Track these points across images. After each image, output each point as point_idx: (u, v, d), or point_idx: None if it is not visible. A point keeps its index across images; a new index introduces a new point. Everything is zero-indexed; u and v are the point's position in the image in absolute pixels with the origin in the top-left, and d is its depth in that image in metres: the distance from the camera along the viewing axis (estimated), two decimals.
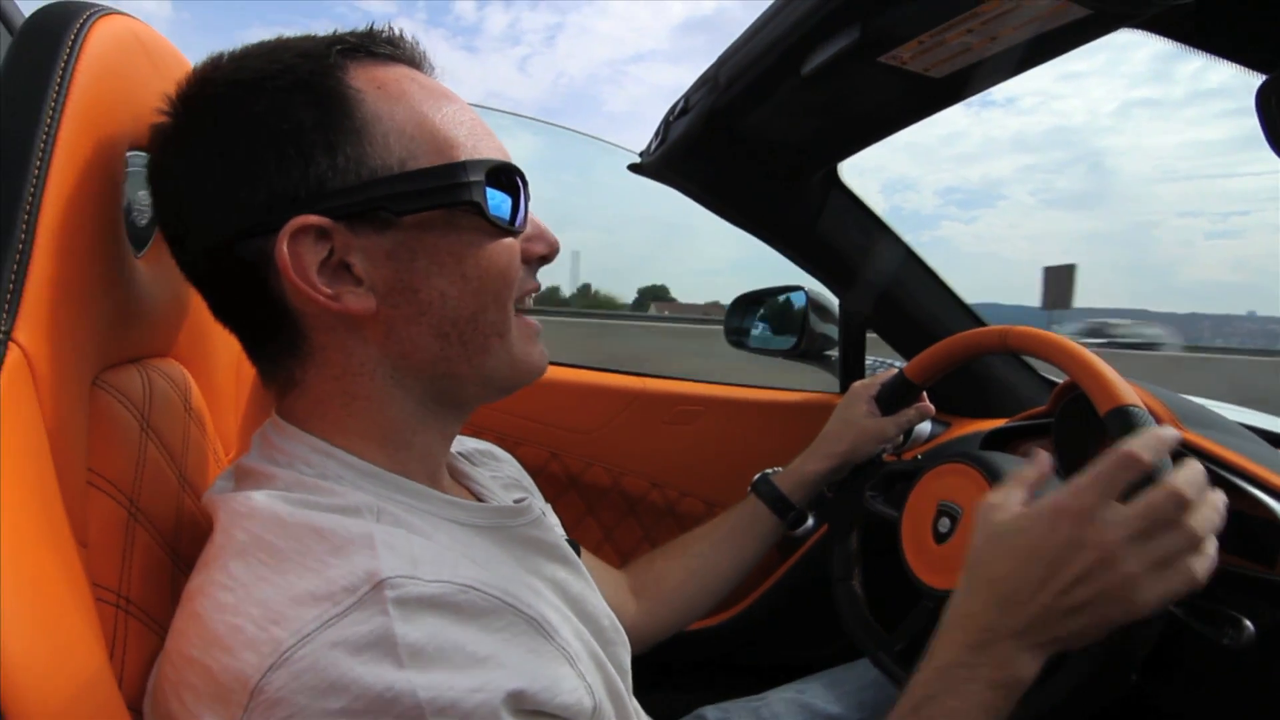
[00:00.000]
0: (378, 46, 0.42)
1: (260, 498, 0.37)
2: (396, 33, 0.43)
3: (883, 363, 1.20)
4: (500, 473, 0.60)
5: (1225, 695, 0.61)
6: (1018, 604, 0.43)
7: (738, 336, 1.22)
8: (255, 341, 0.43)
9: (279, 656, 0.31)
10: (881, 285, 0.93)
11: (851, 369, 1.11)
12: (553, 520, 0.60)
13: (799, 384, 1.18)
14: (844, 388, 1.12)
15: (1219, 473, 0.62)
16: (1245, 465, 0.61)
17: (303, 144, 0.38)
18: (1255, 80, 0.45)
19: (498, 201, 0.41)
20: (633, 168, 0.89)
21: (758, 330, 1.21)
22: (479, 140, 0.42)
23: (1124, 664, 0.51)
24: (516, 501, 0.52)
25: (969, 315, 0.96)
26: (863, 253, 0.91)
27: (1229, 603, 0.48)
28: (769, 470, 0.80)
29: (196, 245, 0.40)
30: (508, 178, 0.42)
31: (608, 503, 1.06)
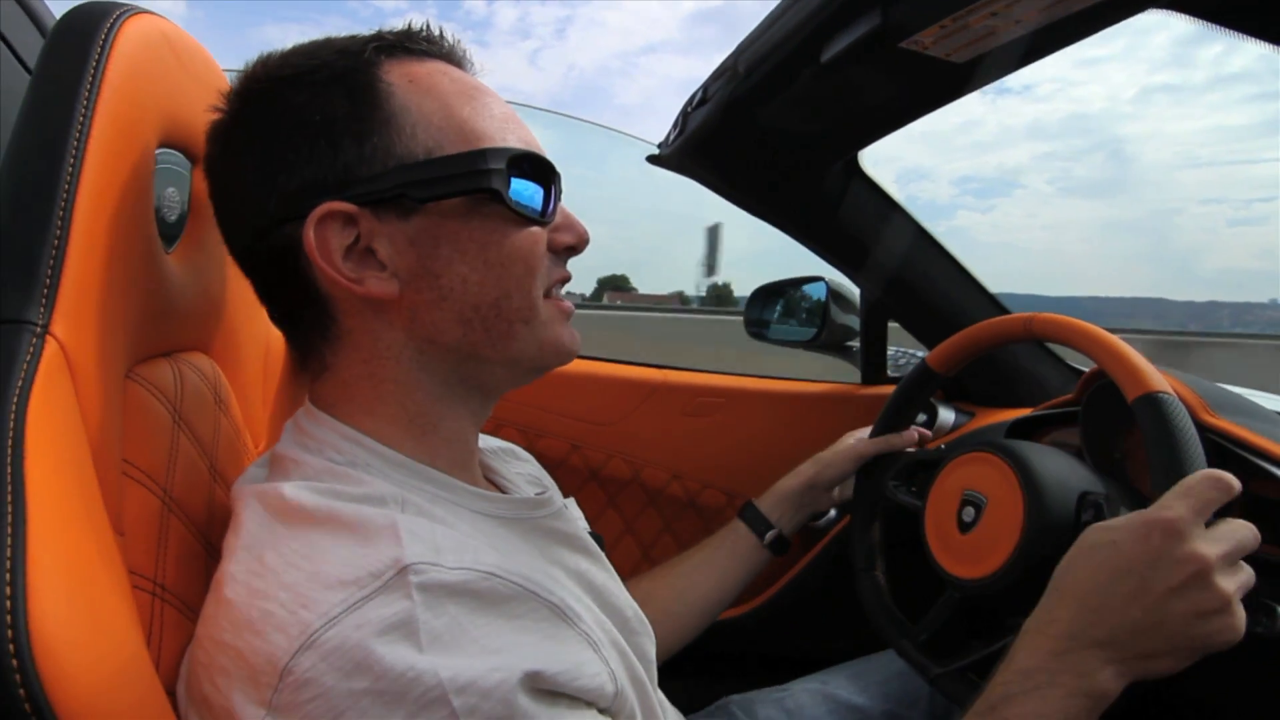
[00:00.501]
0: (414, 43, 0.43)
1: (288, 488, 0.38)
2: (436, 31, 0.44)
3: (905, 353, 1.19)
4: (522, 470, 0.60)
5: (1254, 682, 0.60)
6: (1105, 615, 0.44)
7: (757, 328, 1.21)
8: (291, 325, 0.45)
9: (307, 639, 0.31)
10: (903, 274, 0.92)
11: (873, 359, 1.10)
12: (575, 513, 0.60)
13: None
14: (866, 378, 1.11)
15: (1249, 459, 0.60)
16: (1272, 448, 0.59)
17: (334, 134, 0.39)
18: None
19: (523, 190, 0.42)
20: (651, 159, 0.89)
21: (778, 322, 1.21)
22: (508, 131, 0.43)
23: None
24: (539, 495, 0.52)
25: (993, 303, 0.95)
26: (884, 242, 0.90)
27: (1262, 590, 0.48)
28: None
29: (242, 231, 0.43)
30: (535, 167, 0.43)
31: (629, 495, 1.07)
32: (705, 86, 0.79)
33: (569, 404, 1.03)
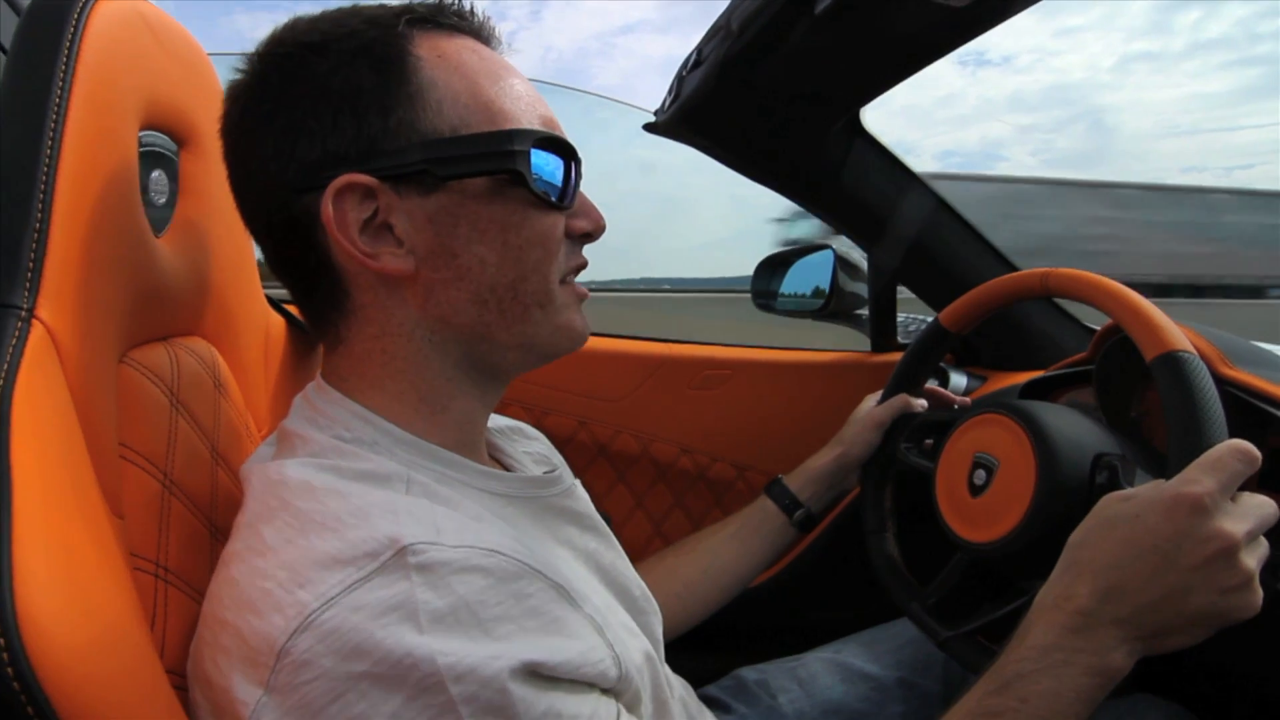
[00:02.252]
0: (445, 18, 0.42)
1: (292, 466, 0.38)
2: (466, 6, 0.44)
3: (915, 319, 1.17)
4: (530, 449, 0.60)
5: (1270, 645, 0.59)
6: (1126, 593, 0.43)
7: (765, 300, 1.20)
8: (304, 295, 0.44)
9: (304, 619, 0.31)
10: (911, 236, 0.90)
11: (883, 326, 1.08)
12: (583, 493, 0.60)
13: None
14: (876, 345, 1.09)
15: (1268, 410, 0.59)
16: None
17: (359, 105, 0.39)
18: (1259, 28, 0.41)
19: (545, 174, 0.42)
20: (648, 127, 0.87)
21: (785, 292, 1.19)
22: (533, 113, 0.43)
23: None
24: (546, 474, 0.52)
25: (1004, 262, 0.92)
26: (890, 203, 0.88)
27: (1273, 545, 0.47)
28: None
29: (257, 197, 0.42)
30: (557, 151, 0.43)
31: (638, 470, 1.06)
32: (699, 48, 0.77)
33: (575, 381, 1.02)
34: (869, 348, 1.10)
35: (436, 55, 0.41)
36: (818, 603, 1.00)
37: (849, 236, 0.96)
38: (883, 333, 1.08)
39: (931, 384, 0.87)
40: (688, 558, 0.75)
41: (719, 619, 0.75)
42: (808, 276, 1.15)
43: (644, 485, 1.07)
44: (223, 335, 0.59)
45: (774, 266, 1.19)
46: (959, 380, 0.95)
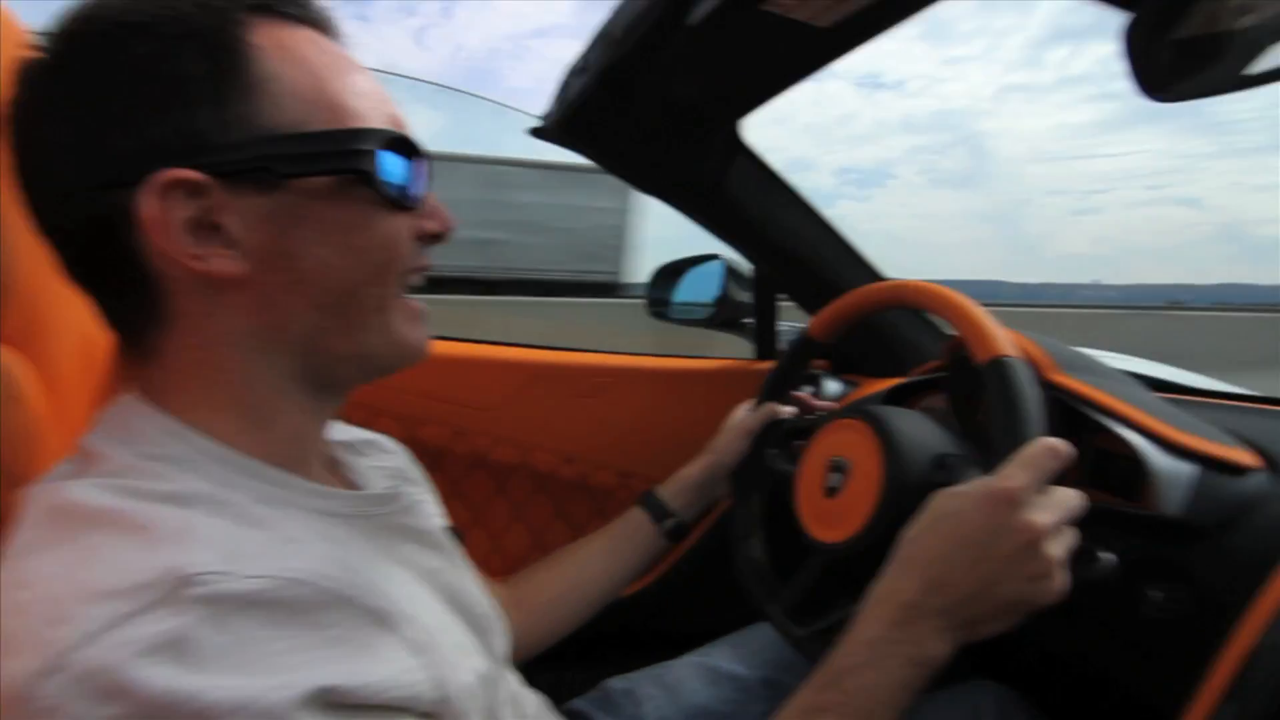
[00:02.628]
0: (285, 6, 0.39)
1: (78, 487, 0.34)
2: None
3: (798, 327, 1.21)
4: (385, 463, 0.57)
5: (1106, 630, 0.64)
6: (946, 585, 0.44)
7: (659, 308, 1.21)
8: (112, 306, 0.39)
9: (57, 659, 0.27)
10: (788, 246, 0.93)
11: (765, 334, 1.11)
12: (430, 510, 0.58)
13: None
14: (760, 354, 1.12)
15: (1087, 413, 0.64)
16: (1113, 405, 0.63)
17: (187, 94, 0.35)
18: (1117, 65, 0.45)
19: (393, 174, 0.40)
20: (533, 131, 0.85)
21: (678, 301, 1.20)
22: (379, 111, 0.41)
23: None
24: (386, 490, 0.49)
25: (872, 273, 0.97)
26: (767, 215, 0.90)
27: (1095, 537, 0.51)
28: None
29: (53, 192, 0.37)
30: (406, 151, 0.40)
31: (517, 480, 1.03)
32: (585, 55, 0.76)
33: (452, 389, 0.98)
34: (754, 355, 1.12)
35: (277, 46, 0.38)
36: (692, 609, 1.00)
37: (732, 247, 0.98)
38: (764, 341, 1.11)
39: (806, 391, 0.90)
40: (555, 571, 0.74)
41: (590, 630, 0.74)
42: (700, 285, 1.17)
43: (524, 495, 1.05)
44: (30, 340, 0.52)
45: (668, 275, 1.20)
46: (833, 387, 0.98)
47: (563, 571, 0.74)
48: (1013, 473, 0.46)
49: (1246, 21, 0.42)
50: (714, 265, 1.11)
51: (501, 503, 1.04)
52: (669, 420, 1.04)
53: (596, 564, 0.75)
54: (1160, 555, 0.61)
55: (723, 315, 1.10)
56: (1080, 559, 0.50)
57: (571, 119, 0.80)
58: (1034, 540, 0.44)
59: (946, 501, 0.47)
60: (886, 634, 0.45)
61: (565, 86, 0.78)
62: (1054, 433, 0.70)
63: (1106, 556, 0.63)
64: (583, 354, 1.06)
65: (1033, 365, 0.66)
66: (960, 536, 0.45)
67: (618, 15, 0.69)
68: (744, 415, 0.80)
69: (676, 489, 0.78)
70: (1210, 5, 0.43)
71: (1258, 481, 0.59)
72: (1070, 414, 0.66)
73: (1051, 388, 0.67)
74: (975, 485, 0.47)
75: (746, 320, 1.13)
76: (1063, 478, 0.52)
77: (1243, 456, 0.61)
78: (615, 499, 1.07)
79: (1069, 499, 0.47)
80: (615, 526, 0.78)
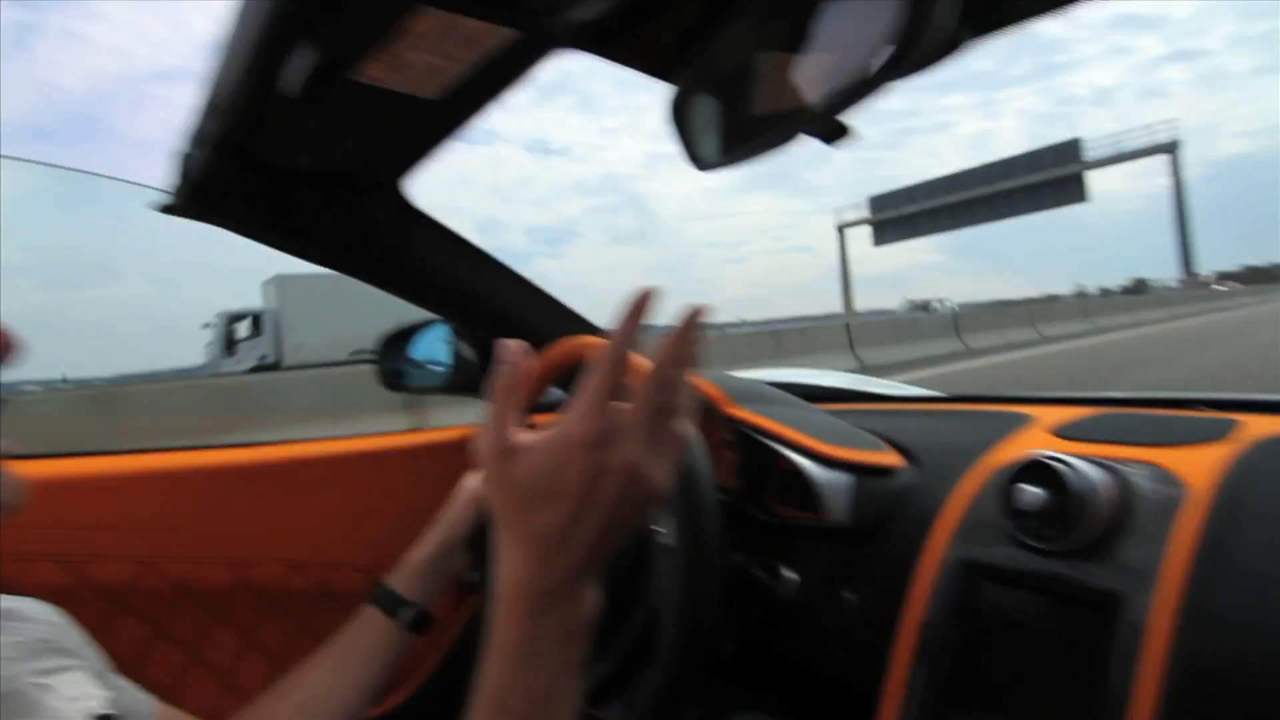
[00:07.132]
0: None
1: None
2: None
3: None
4: (23, 635, 0.45)
5: (829, 636, 0.66)
6: (564, 548, 0.39)
7: (393, 379, 1.12)
8: None
9: None
10: (481, 303, 0.89)
11: None
12: (74, 691, 0.46)
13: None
14: None
15: (764, 442, 0.67)
16: (778, 429, 0.66)
17: None
18: None
19: None
20: (165, 209, 0.75)
21: (412, 369, 1.13)
22: None
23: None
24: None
25: (580, 322, 0.95)
26: (452, 273, 0.86)
27: (787, 550, 0.52)
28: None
29: None
30: None
31: (239, 604, 0.90)
32: (199, 124, 0.68)
33: (129, 514, 0.82)
34: None
35: None
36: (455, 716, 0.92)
37: (426, 309, 0.92)
38: None
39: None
40: (285, 701, 0.64)
41: None
42: (431, 351, 1.10)
43: (252, 620, 0.91)
44: None
45: (397, 343, 1.13)
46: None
47: (291, 700, 0.64)
48: (579, 415, 0.40)
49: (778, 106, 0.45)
50: (439, 330, 1.05)
51: (225, 633, 0.89)
52: (407, 500, 0.96)
53: (323, 681, 0.66)
54: (847, 560, 0.65)
55: (461, 379, 1.05)
56: (767, 572, 0.52)
57: (201, 192, 0.71)
58: (633, 469, 0.39)
59: (521, 467, 0.40)
60: (530, 629, 0.39)
61: (186, 158, 0.69)
62: (743, 459, 0.72)
63: (790, 576, 0.65)
64: (292, 445, 0.94)
65: (709, 400, 0.67)
66: (555, 495, 0.39)
67: (219, 85, 0.62)
68: (475, 483, 0.76)
69: (408, 573, 0.72)
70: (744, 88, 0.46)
71: (904, 479, 0.64)
72: (750, 443, 0.68)
73: (729, 420, 0.69)
74: (547, 440, 0.40)
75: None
76: (756, 496, 0.53)
77: (889, 458, 0.66)
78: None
79: (616, 415, 0.40)
80: (344, 634, 0.69)
